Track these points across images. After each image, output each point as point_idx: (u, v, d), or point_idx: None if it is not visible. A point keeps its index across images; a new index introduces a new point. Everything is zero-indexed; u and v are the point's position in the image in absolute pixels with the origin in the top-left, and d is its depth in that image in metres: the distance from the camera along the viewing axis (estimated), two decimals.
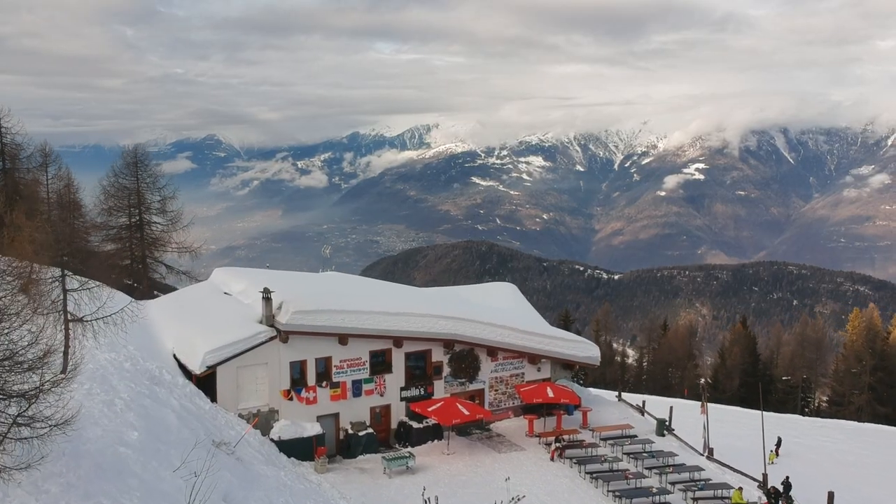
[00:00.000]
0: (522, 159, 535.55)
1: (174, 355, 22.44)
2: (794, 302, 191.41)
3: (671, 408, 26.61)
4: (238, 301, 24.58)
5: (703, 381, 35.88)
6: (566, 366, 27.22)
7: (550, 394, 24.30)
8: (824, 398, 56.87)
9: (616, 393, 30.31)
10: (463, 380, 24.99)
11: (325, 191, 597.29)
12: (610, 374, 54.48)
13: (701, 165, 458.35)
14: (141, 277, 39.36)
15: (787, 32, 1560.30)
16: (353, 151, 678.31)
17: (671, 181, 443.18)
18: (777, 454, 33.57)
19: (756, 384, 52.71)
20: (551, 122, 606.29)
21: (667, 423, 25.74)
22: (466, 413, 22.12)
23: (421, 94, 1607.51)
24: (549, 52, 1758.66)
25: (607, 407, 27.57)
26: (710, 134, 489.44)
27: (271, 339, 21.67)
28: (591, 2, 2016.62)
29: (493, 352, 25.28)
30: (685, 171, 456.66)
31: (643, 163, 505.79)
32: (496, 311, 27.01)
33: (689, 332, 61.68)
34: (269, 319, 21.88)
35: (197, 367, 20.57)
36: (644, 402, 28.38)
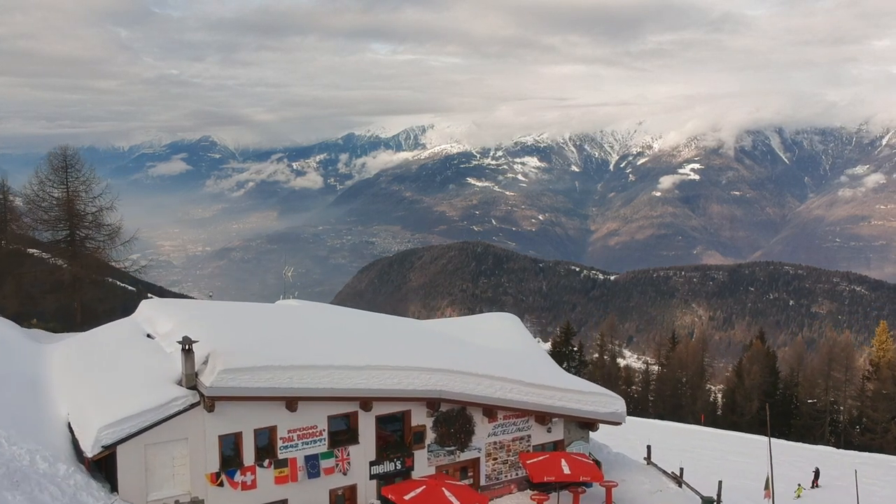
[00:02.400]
0: (518, 160, 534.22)
1: (69, 425, 16.73)
2: (791, 302, 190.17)
3: (720, 483, 21.73)
4: (159, 348, 18.60)
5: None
6: (583, 424, 21.59)
7: (566, 470, 18.59)
8: (852, 421, 50.35)
9: (644, 456, 25.24)
10: (452, 448, 19.46)
11: (321, 192, 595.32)
12: (615, 393, 50.60)
13: (696, 166, 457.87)
14: (75, 302, 33.64)
15: (784, 32, 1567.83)
16: (348, 152, 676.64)
17: (666, 181, 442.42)
18: (816, 485, 29.21)
19: (777, 406, 47.46)
20: (547, 123, 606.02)
21: (714, 503, 20.81)
22: (456, 503, 16.61)
23: (416, 95, 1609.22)
24: (545, 53, 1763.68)
25: (634, 474, 22.18)
26: (705, 134, 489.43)
27: (192, 406, 15.94)
28: (587, 2, 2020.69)
29: (490, 411, 19.76)
30: (680, 171, 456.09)
31: (638, 163, 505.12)
32: (494, 352, 21.79)
33: (701, 345, 55.18)
34: (191, 379, 16.15)
35: (89, 448, 15.17)
36: (682, 471, 23.07)
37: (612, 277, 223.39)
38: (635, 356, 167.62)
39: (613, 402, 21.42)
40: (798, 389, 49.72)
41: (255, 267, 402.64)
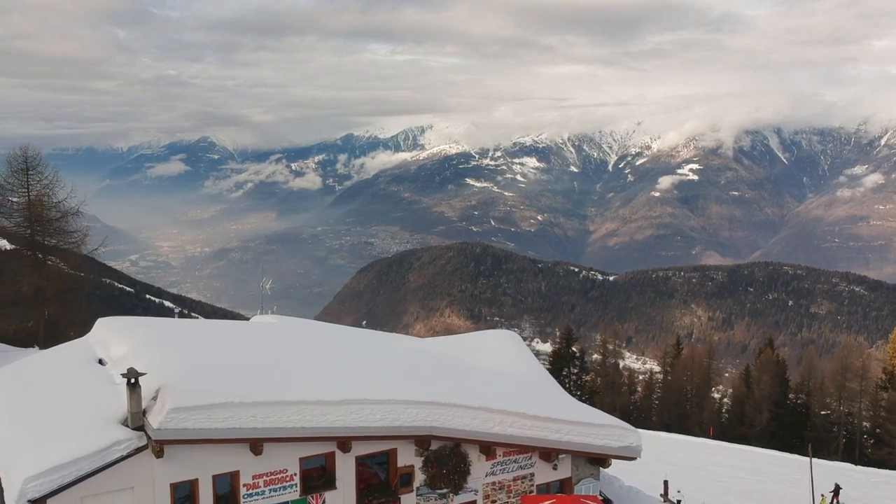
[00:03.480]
0: (516, 160, 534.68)
1: None
2: (790, 303, 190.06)
3: None
4: (109, 378, 15.98)
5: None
6: (593, 460, 19.32)
7: None
8: (865, 434, 46.35)
9: (661, 493, 23.08)
10: (444, 490, 17.29)
11: (320, 192, 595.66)
12: (619, 402, 47.14)
13: (695, 166, 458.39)
14: (38, 318, 30.50)
15: (784, 32, 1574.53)
16: (347, 153, 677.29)
17: (665, 182, 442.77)
18: (836, 502, 27.16)
19: (788, 417, 44.53)
20: (545, 124, 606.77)
21: None
22: None
23: (415, 96, 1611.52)
24: (544, 53, 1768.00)
25: None
26: (703, 134, 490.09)
27: (137, 451, 13.65)
28: (586, 2, 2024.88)
29: (488, 448, 17.50)
30: (679, 171, 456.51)
31: (637, 163, 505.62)
32: (493, 377, 19.56)
33: (708, 353, 50.89)
34: (137, 419, 13.82)
35: (13, 503, 13.19)
36: None
37: (611, 278, 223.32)
38: (634, 356, 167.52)
39: (627, 436, 18.96)
40: (810, 399, 46.62)
41: (253, 268, 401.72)
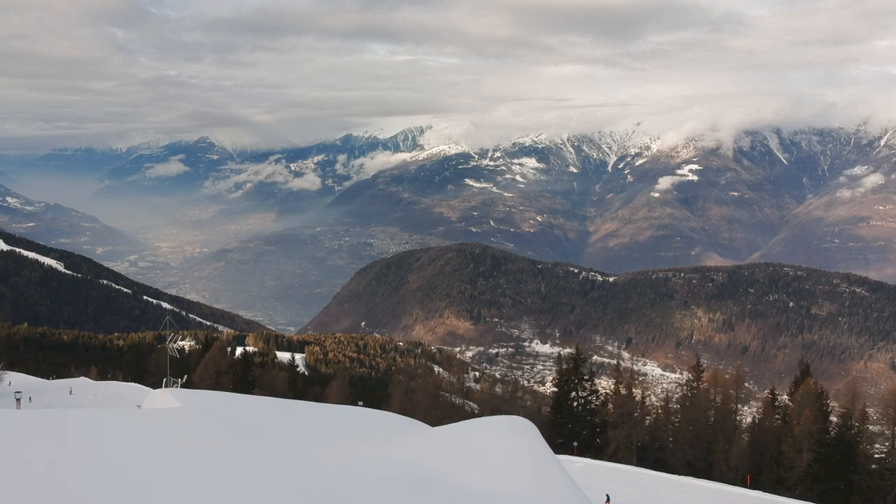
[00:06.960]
0: (516, 161, 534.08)
1: None
2: (791, 304, 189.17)
3: None
4: None
5: None
6: None
7: None
8: None
9: None
10: None
11: (319, 193, 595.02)
12: (636, 434, 42.43)
13: (694, 166, 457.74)
14: None
15: (785, 32, 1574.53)
16: (346, 153, 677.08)
17: (665, 182, 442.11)
18: None
19: (833, 458, 38.85)
20: (545, 124, 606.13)
21: None
22: None
23: (414, 96, 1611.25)
24: (543, 53, 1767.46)
25: None
26: (703, 134, 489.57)
27: None
28: (586, 2, 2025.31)
29: None
30: (679, 172, 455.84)
31: (637, 164, 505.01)
32: None
33: (735, 380, 44.51)
34: None
35: None
36: None
37: (611, 279, 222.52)
38: (633, 358, 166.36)
39: None
40: (858, 438, 40.24)
41: (252, 268, 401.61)
